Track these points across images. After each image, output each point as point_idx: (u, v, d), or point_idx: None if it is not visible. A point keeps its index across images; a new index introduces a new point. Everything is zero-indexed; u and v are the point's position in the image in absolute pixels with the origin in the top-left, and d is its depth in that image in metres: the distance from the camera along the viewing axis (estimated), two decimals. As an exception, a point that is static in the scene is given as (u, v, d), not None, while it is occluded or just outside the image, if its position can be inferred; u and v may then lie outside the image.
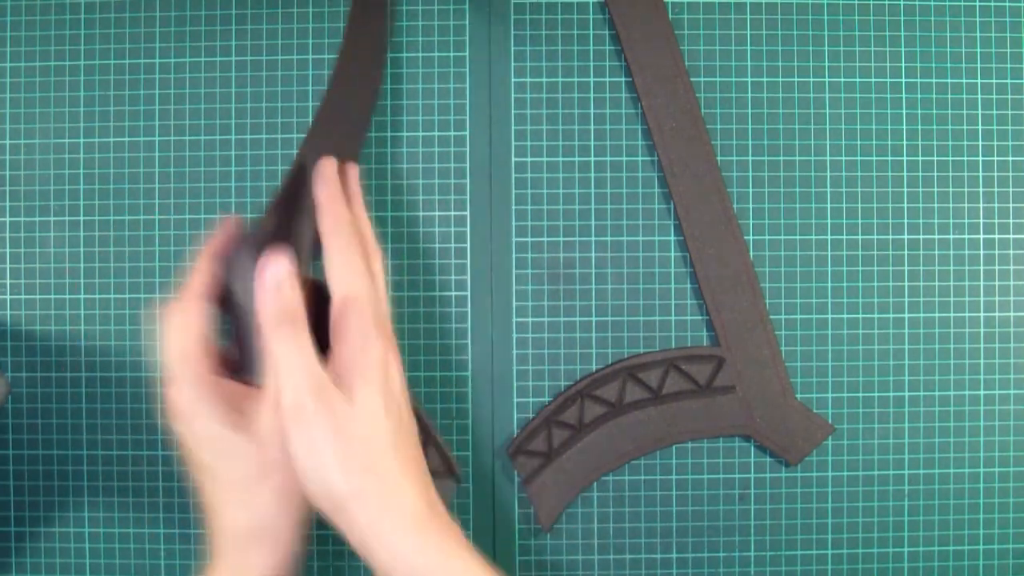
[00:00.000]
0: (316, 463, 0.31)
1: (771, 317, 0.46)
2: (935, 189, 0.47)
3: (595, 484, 0.46)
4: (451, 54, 0.47)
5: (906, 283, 0.46)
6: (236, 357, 0.36)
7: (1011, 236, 0.47)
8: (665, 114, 0.45)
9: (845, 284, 0.46)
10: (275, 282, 0.33)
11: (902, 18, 0.47)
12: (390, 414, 0.32)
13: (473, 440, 0.46)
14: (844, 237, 0.46)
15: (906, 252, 0.46)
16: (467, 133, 0.47)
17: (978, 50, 0.47)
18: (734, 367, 0.45)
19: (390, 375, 0.33)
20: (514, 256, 0.46)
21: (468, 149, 0.47)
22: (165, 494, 0.46)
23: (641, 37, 0.45)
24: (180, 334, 0.34)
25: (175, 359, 0.33)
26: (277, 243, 0.35)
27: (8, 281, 0.47)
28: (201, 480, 0.34)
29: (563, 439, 0.45)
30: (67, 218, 0.47)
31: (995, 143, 0.47)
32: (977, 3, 0.47)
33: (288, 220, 0.36)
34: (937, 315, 0.46)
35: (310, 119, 0.46)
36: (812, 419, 0.45)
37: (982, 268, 0.46)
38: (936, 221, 0.47)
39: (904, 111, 0.47)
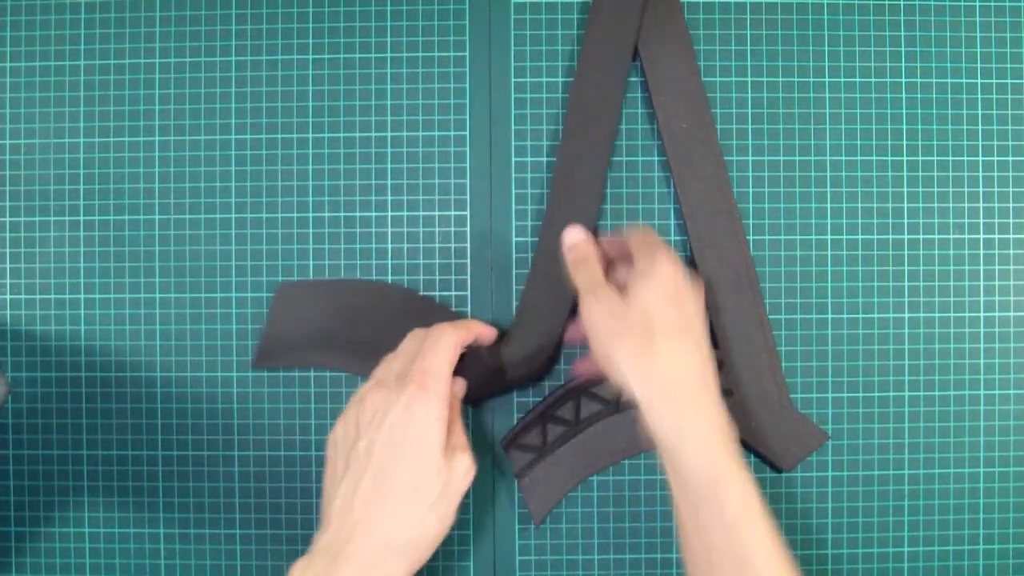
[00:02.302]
0: (594, 332, 0.38)
1: (770, 317, 0.46)
2: (935, 189, 0.47)
3: (595, 483, 0.46)
4: (451, 54, 0.47)
5: (906, 283, 0.46)
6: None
7: (1011, 236, 0.47)
8: (675, 115, 0.45)
9: (845, 284, 0.46)
10: (571, 241, 0.43)
11: (902, 18, 0.47)
12: (662, 303, 0.37)
13: (473, 438, 0.46)
14: (844, 237, 0.46)
15: (906, 252, 0.46)
16: (467, 133, 0.47)
17: (978, 50, 0.47)
18: (732, 370, 0.45)
19: (662, 276, 0.38)
20: (514, 256, 0.46)
21: (468, 149, 0.47)
22: (165, 494, 0.46)
23: (656, 37, 0.45)
24: (452, 352, 0.38)
25: (442, 369, 0.37)
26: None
27: (8, 281, 0.47)
28: (375, 485, 0.35)
29: (557, 435, 0.45)
30: (67, 218, 0.47)
31: (995, 143, 0.47)
32: (977, 3, 0.47)
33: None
34: (937, 315, 0.46)
35: (310, 119, 0.47)
36: (807, 426, 0.45)
37: (982, 268, 0.46)
38: (936, 221, 0.47)
39: (904, 111, 0.47)
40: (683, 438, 0.36)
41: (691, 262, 0.46)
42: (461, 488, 0.37)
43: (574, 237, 0.43)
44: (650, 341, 0.37)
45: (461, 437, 0.37)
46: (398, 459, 0.35)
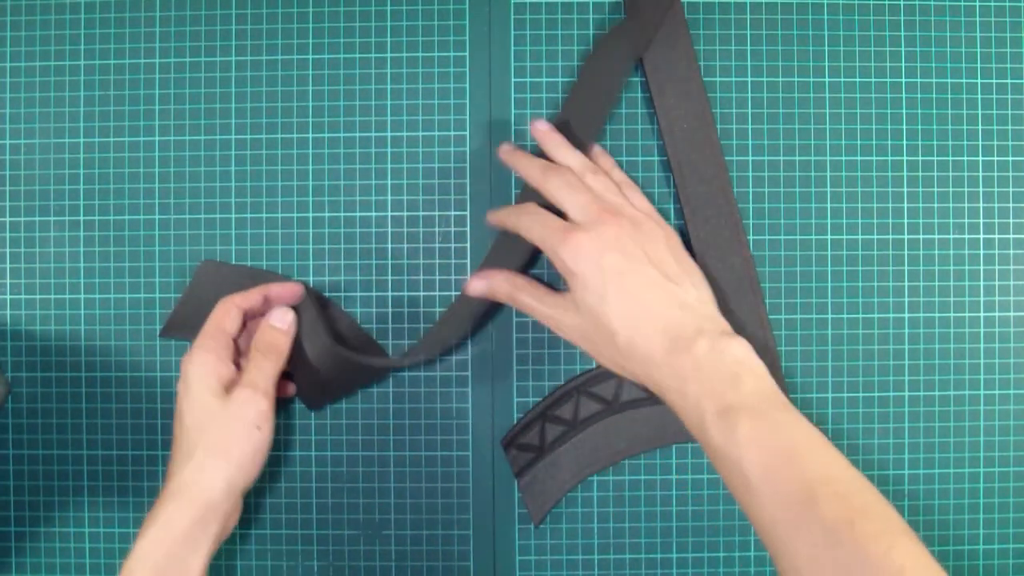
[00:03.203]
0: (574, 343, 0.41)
1: (770, 317, 0.46)
2: (935, 189, 0.47)
3: (595, 483, 0.46)
4: (451, 54, 0.47)
5: (906, 283, 0.46)
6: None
7: (1011, 236, 0.47)
8: (677, 115, 0.45)
9: (845, 284, 0.46)
10: (480, 287, 0.43)
11: (902, 18, 0.47)
12: (597, 295, 0.39)
13: (473, 438, 0.46)
14: (844, 237, 0.46)
15: (906, 252, 0.46)
16: (467, 133, 0.47)
17: (978, 50, 0.47)
18: (734, 367, 0.45)
19: (585, 267, 0.39)
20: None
21: (468, 149, 0.47)
22: (165, 494, 0.46)
23: (658, 37, 0.45)
24: (221, 317, 0.42)
25: (205, 332, 0.41)
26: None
27: (8, 281, 0.47)
28: (179, 439, 0.40)
29: (557, 434, 0.45)
30: (67, 218, 0.47)
31: (995, 143, 0.47)
32: (977, 3, 0.47)
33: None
34: (937, 315, 0.46)
35: (310, 119, 0.47)
36: None
37: (982, 268, 0.46)
38: (936, 221, 0.47)
39: (904, 111, 0.47)
40: (666, 400, 0.38)
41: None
42: (244, 419, 0.40)
43: (477, 286, 0.42)
44: (615, 337, 0.38)
45: (247, 378, 0.40)
46: (177, 419, 0.40)
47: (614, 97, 0.44)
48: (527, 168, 0.41)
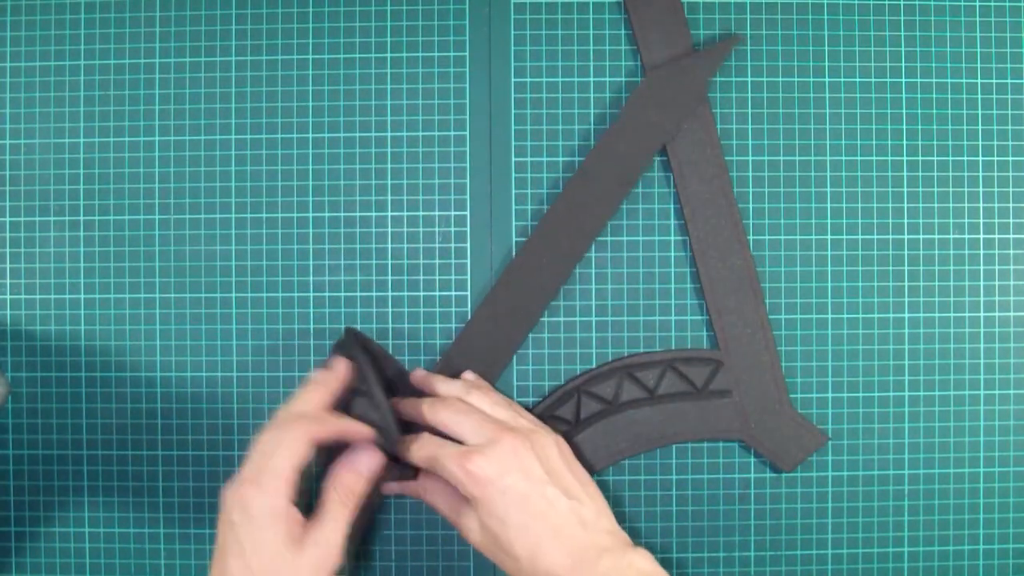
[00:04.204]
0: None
1: (770, 317, 0.46)
2: (935, 189, 0.47)
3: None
4: (451, 54, 0.47)
5: (906, 283, 0.46)
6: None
7: (1011, 236, 0.47)
8: None
9: (845, 284, 0.46)
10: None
11: (902, 18, 0.47)
12: (495, 520, 0.39)
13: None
14: (844, 237, 0.46)
15: (906, 252, 0.46)
16: (467, 133, 0.47)
17: (978, 50, 0.47)
18: (732, 371, 0.45)
19: (483, 496, 0.39)
20: (514, 256, 0.46)
21: (468, 149, 0.47)
22: (165, 494, 0.46)
23: (658, 39, 0.45)
24: (296, 455, 0.37)
25: (276, 471, 0.37)
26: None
27: (8, 281, 0.47)
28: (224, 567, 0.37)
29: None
30: (67, 218, 0.47)
31: (995, 143, 0.47)
32: (977, 3, 0.47)
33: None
34: (937, 315, 0.46)
35: (310, 119, 0.47)
36: (806, 428, 0.45)
37: (982, 268, 0.46)
38: (936, 221, 0.47)
39: (904, 111, 0.47)
40: None
41: (692, 262, 0.46)
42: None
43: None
44: (513, 558, 0.38)
45: (324, 532, 0.37)
46: (238, 556, 0.36)
47: (631, 181, 0.45)
48: (413, 407, 0.42)
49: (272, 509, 0.36)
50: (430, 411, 0.41)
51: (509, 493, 0.38)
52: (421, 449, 0.40)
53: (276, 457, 0.37)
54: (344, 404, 0.40)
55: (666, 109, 0.45)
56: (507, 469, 0.38)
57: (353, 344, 0.41)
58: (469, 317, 0.46)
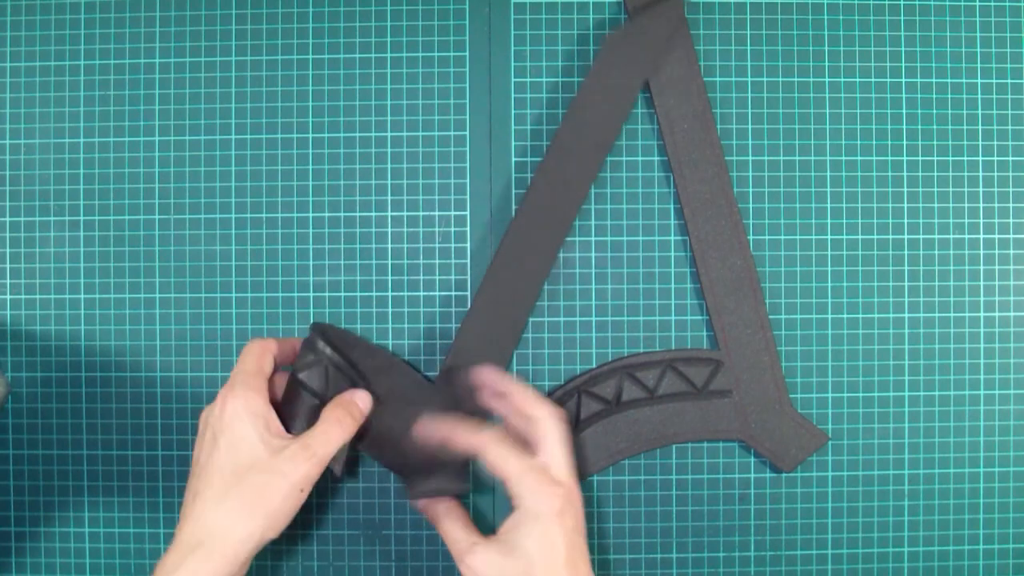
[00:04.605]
0: None
1: (770, 317, 0.46)
2: (935, 189, 0.47)
3: (595, 483, 0.46)
4: (451, 54, 0.47)
5: (906, 283, 0.46)
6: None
7: (1011, 236, 0.47)
8: (677, 115, 0.45)
9: (845, 284, 0.46)
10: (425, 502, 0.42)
11: (902, 18, 0.47)
12: (546, 548, 0.38)
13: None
14: (844, 237, 0.46)
15: (906, 252, 0.46)
16: (467, 133, 0.47)
17: (978, 50, 0.47)
18: (732, 371, 0.45)
19: (548, 516, 0.38)
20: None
21: (468, 149, 0.47)
22: (165, 494, 0.46)
23: (659, 38, 0.45)
24: (259, 356, 0.39)
25: (248, 371, 0.39)
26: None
27: (8, 281, 0.47)
28: (205, 480, 0.37)
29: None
30: (67, 218, 0.47)
31: (995, 143, 0.47)
32: (977, 3, 0.47)
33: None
34: (937, 315, 0.46)
35: (310, 119, 0.47)
36: (807, 428, 0.45)
37: (982, 268, 0.46)
38: (936, 221, 0.47)
39: (904, 111, 0.47)
40: None
41: (692, 262, 0.46)
42: (291, 477, 0.36)
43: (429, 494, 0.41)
44: None
45: (311, 439, 0.37)
46: (217, 450, 0.37)
47: (615, 127, 0.44)
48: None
49: (249, 404, 0.37)
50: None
51: (568, 529, 0.37)
52: (491, 446, 0.39)
53: (242, 364, 0.39)
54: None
55: (644, 43, 0.44)
56: (570, 510, 0.38)
57: (315, 339, 0.40)
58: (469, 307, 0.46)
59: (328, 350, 0.40)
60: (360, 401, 0.40)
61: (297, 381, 0.39)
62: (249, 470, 0.36)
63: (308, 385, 0.39)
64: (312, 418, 0.39)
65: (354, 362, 0.40)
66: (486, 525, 0.46)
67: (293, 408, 0.39)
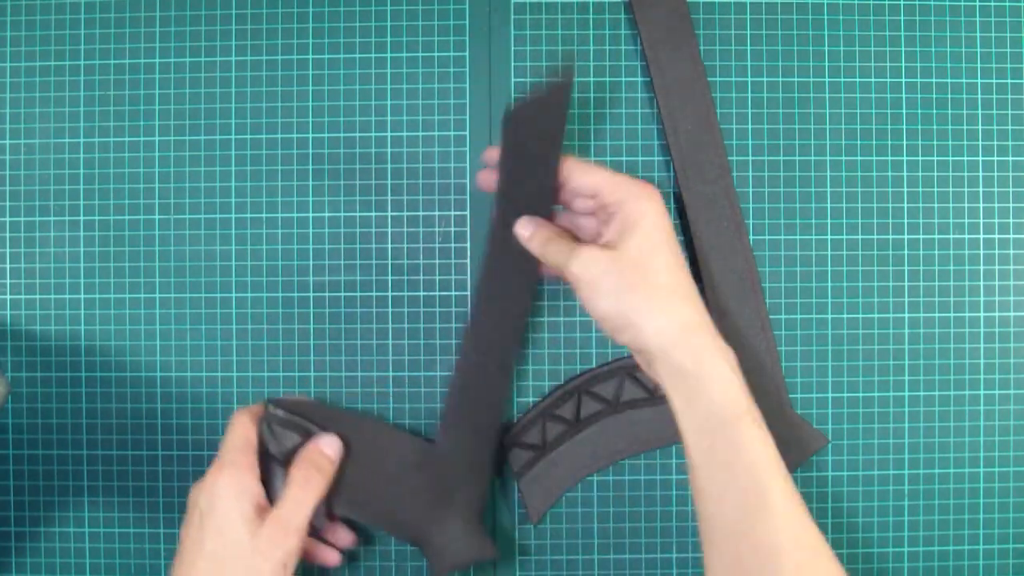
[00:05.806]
0: (596, 290, 0.37)
1: (771, 317, 0.46)
2: (935, 189, 0.47)
3: (595, 483, 0.46)
4: (451, 54, 0.47)
5: (906, 283, 0.46)
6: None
7: (1011, 236, 0.47)
8: (681, 117, 0.45)
9: (845, 284, 0.46)
10: (528, 230, 0.40)
11: (902, 18, 0.47)
12: (658, 246, 0.37)
13: (473, 440, 0.46)
14: (844, 237, 0.46)
15: (906, 252, 0.46)
16: (467, 133, 0.47)
17: (978, 50, 0.47)
18: (734, 368, 0.45)
19: (654, 218, 0.37)
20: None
21: (468, 149, 0.47)
22: (165, 494, 0.46)
23: (663, 38, 0.45)
24: (246, 428, 0.39)
25: (236, 447, 0.39)
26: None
27: (8, 281, 0.47)
28: (184, 555, 0.37)
29: (557, 433, 0.45)
30: (67, 218, 0.47)
31: (995, 143, 0.47)
32: (977, 3, 0.47)
33: None
34: (937, 315, 0.46)
35: (310, 119, 0.47)
36: (807, 430, 0.45)
37: (982, 268, 0.46)
38: (936, 221, 0.47)
39: (904, 111, 0.47)
40: (706, 374, 0.36)
41: (693, 263, 0.46)
42: (273, 559, 0.36)
43: (529, 225, 0.40)
44: (658, 286, 0.36)
45: (282, 511, 0.37)
46: (202, 534, 0.37)
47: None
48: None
49: (234, 485, 0.37)
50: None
51: (668, 232, 0.37)
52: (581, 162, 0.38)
53: (230, 440, 0.39)
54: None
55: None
56: (666, 217, 0.37)
57: (264, 409, 0.41)
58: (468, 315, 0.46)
59: (278, 411, 0.40)
60: (326, 447, 0.40)
61: (265, 454, 0.40)
62: (233, 559, 0.36)
63: (272, 454, 0.40)
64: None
65: (310, 415, 0.40)
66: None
67: (272, 480, 0.39)
